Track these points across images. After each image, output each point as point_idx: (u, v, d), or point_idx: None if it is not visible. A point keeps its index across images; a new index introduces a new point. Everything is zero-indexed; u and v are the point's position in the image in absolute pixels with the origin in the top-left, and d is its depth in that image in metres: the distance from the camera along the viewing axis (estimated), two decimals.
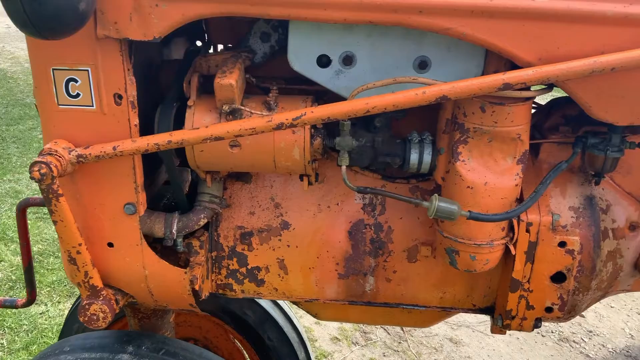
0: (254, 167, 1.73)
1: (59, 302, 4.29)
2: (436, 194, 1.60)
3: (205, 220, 1.88)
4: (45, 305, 4.28)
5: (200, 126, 1.60)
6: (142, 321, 2.23)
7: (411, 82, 1.54)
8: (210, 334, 2.68)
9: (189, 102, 1.66)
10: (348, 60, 1.62)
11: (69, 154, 1.58)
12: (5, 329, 3.87)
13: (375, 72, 1.63)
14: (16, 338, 3.80)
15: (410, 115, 1.74)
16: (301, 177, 1.83)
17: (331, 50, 1.62)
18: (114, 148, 1.56)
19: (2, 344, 3.74)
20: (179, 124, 1.69)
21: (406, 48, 1.60)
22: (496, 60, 1.58)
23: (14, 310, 3.91)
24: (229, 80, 1.56)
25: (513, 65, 1.53)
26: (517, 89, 1.46)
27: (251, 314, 2.51)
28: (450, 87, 1.43)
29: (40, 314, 4.15)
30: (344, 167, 1.68)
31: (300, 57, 1.63)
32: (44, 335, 3.95)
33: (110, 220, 1.73)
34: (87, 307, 1.80)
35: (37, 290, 4.44)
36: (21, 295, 4.03)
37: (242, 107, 1.60)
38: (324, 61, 1.63)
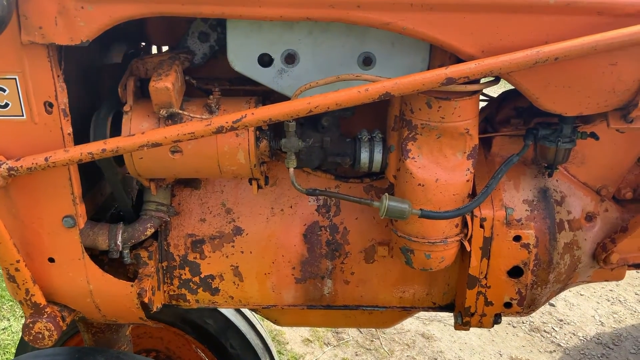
0: (198, 172, 1.67)
1: (22, 317, 4.16)
2: (386, 194, 1.56)
3: (152, 230, 1.81)
4: (8, 320, 4.15)
5: (137, 132, 1.53)
6: (96, 336, 2.15)
7: (355, 79, 1.49)
8: (172, 344, 2.61)
9: (125, 108, 1.59)
10: (290, 58, 1.57)
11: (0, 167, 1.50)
12: None
13: (319, 70, 1.58)
14: None
15: (359, 113, 1.69)
16: (250, 181, 1.77)
17: (272, 48, 1.56)
18: (46, 159, 1.48)
19: None
20: (118, 131, 1.61)
21: (349, 44, 1.55)
22: (441, 54, 1.54)
23: None
24: (165, 84, 1.49)
25: (459, 59, 1.49)
26: (461, 83, 1.42)
27: (212, 322, 2.45)
28: (393, 84, 1.39)
29: (3, 329, 4.03)
30: (291, 170, 1.62)
31: (241, 57, 1.57)
32: (7, 352, 3.83)
33: (49, 234, 1.65)
34: (31, 325, 1.72)
35: (0, 305, 4.32)
36: None
37: (181, 111, 1.53)
38: (265, 60, 1.58)
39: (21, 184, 1.59)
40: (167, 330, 2.53)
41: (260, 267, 1.90)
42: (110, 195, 1.99)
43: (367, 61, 1.56)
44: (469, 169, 1.61)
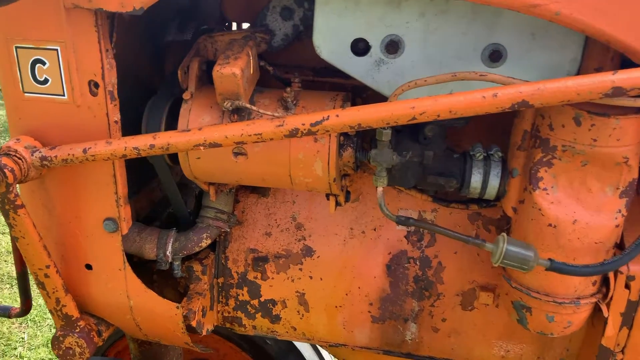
0: (265, 181, 1.35)
1: None
2: (504, 234, 1.17)
3: (209, 241, 1.52)
4: None
5: (194, 127, 1.23)
6: (142, 347, 1.91)
7: (478, 79, 1.11)
8: (228, 357, 2.34)
9: (185, 96, 1.30)
10: (393, 46, 1.21)
11: (32, 155, 1.25)
12: (29, 322, 3.69)
13: (429, 64, 1.21)
14: (38, 333, 3.61)
15: (473, 123, 1.31)
16: (327, 196, 1.44)
17: (371, 33, 1.21)
18: (85, 151, 1.21)
19: (22, 338, 3.55)
20: (176, 123, 1.33)
21: (473, 32, 1.17)
22: (600, 53, 1.13)
23: (40, 302, 3.72)
24: (232, 69, 1.18)
25: (624, 62, 1.08)
26: (633, 95, 1.01)
27: (273, 343, 2.15)
28: (535, 90, 1.00)
29: None
30: (380, 189, 1.27)
31: (330, 42, 1.23)
32: None
33: (87, 237, 1.39)
34: (61, 339, 1.48)
35: None
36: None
37: (249, 106, 1.22)
38: (360, 47, 1.23)
39: (59, 175, 1.34)
40: (223, 343, 2.26)
41: (330, 298, 1.57)
42: None
43: (494, 56, 1.18)
44: (620, 211, 1.19)
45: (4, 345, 3.43)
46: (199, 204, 1.61)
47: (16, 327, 3.60)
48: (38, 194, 1.37)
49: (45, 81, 1.25)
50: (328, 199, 1.43)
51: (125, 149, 1.20)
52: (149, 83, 1.50)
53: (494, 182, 1.28)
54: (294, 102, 1.26)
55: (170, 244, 1.48)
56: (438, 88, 1.14)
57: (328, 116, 1.10)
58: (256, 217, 1.58)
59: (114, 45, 1.23)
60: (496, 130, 1.39)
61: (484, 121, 1.34)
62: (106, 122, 1.27)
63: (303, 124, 1.11)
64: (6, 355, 3.36)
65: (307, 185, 1.31)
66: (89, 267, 1.43)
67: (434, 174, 1.32)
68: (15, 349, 3.42)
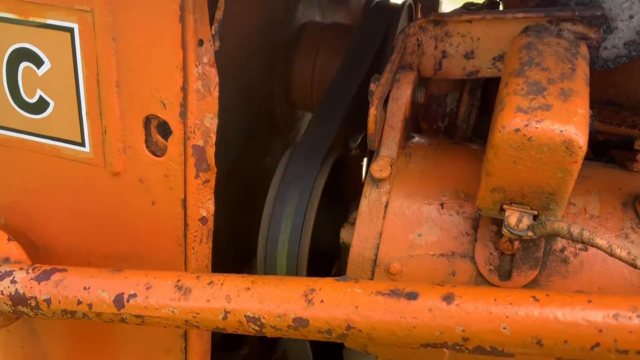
0: None
1: None
2: None
3: None
4: None
5: (394, 258, 0.45)
6: None
7: None
8: None
9: (378, 170, 0.51)
10: None
11: None
12: None
13: None
14: None
15: None
16: None
17: None
18: (118, 302, 0.45)
19: None
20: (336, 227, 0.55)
21: None
22: None
23: None
24: (572, 131, 0.39)
25: None
26: None
27: None
28: None
29: None
30: None
31: None
32: None
33: None
34: None
35: None
36: None
37: (602, 244, 0.41)
38: None
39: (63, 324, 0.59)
40: None
41: None
42: None
43: None
44: None
45: None
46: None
47: None
48: (17, 337, 0.63)
49: (42, 106, 0.50)
50: None
51: (223, 316, 0.42)
52: (275, 124, 0.74)
53: None
54: None
55: None
56: None
57: None
58: None
59: (216, 30, 0.46)
60: None
61: None
62: (181, 221, 0.50)
63: None
64: None
65: None
66: None
67: None
68: None
